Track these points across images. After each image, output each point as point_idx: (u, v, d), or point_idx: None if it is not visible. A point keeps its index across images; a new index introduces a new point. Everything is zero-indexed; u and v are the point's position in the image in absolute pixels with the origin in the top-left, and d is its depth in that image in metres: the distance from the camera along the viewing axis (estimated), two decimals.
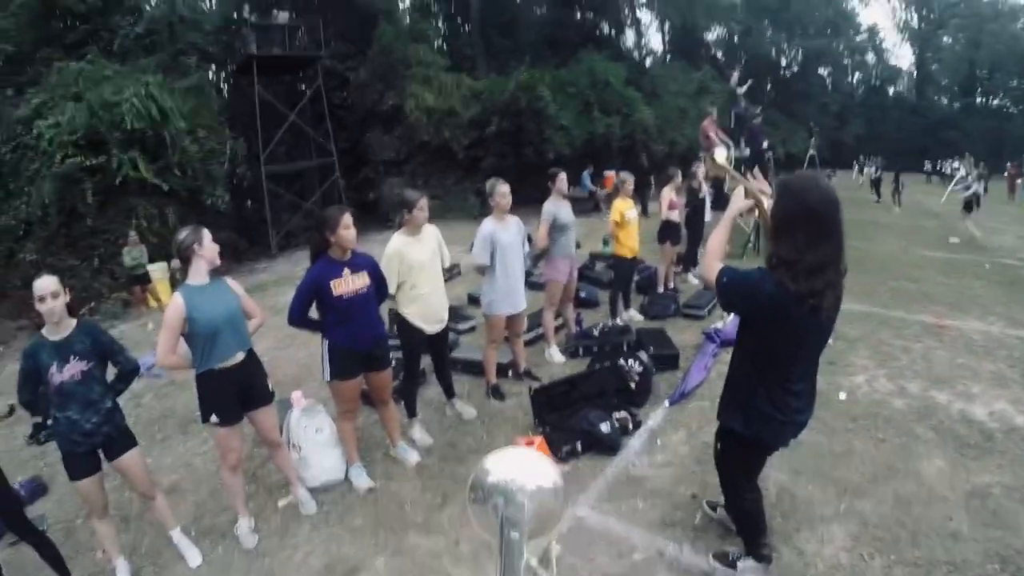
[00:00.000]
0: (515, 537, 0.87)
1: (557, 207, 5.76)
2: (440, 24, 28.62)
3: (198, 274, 3.38)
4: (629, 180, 6.72)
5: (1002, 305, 8.11)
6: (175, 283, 12.37)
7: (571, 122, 19.75)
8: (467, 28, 27.60)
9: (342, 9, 20.67)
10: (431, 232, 4.49)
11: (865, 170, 28.16)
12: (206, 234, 3.43)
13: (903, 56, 57.17)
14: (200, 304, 3.29)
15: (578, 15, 30.19)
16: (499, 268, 5.01)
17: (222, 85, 21.10)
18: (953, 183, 14.81)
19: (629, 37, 36.08)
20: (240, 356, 3.46)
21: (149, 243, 11.95)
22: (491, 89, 19.47)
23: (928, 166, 30.32)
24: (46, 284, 3.07)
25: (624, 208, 6.60)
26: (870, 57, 54.24)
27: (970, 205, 14.20)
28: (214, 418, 3.42)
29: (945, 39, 53.12)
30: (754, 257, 10.48)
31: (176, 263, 3.67)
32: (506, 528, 0.88)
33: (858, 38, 52.26)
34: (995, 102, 50.24)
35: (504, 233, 4.99)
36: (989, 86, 50.20)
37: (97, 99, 12.55)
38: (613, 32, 33.22)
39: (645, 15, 37.68)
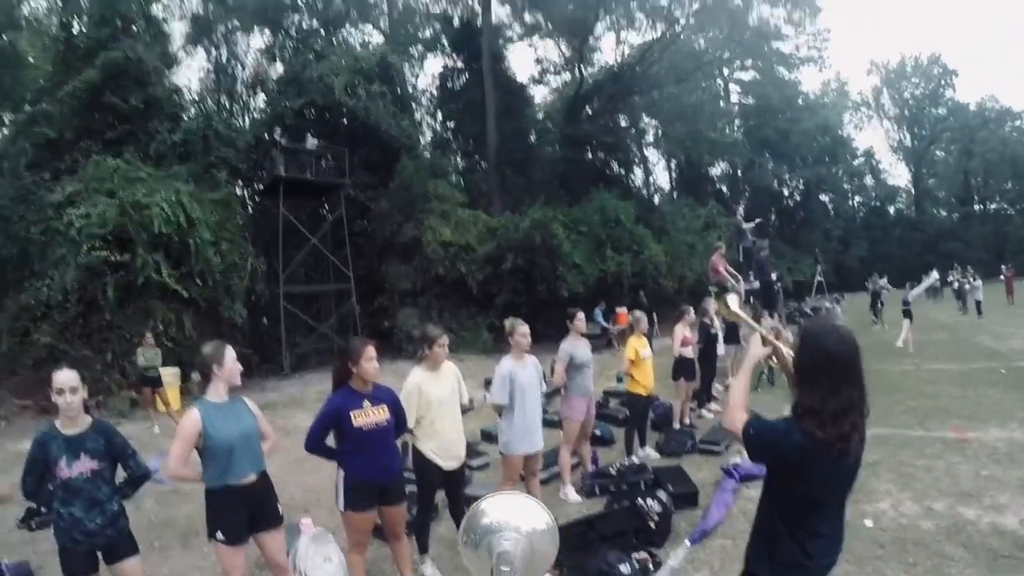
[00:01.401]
0: (507, 571, 0.88)
1: (574, 346, 5.88)
2: (458, 160, 29.99)
3: (217, 391, 3.41)
4: (643, 318, 6.92)
5: (1022, 409, 8.03)
6: (185, 391, 12.36)
7: (584, 260, 20.33)
8: (483, 165, 28.71)
9: (367, 140, 21.64)
10: (450, 369, 4.57)
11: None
12: (228, 353, 3.45)
13: (900, 175, 60.06)
14: (217, 422, 3.31)
15: (589, 155, 31.47)
16: (517, 408, 5.03)
17: (248, 202, 21.81)
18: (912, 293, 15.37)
19: (638, 175, 37.76)
20: (253, 476, 3.43)
21: (164, 346, 11.96)
22: (506, 226, 20.09)
23: (929, 281, 30.87)
24: (67, 378, 3.10)
25: (639, 346, 6.72)
26: (868, 180, 56.43)
27: (910, 314, 14.58)
28: (220, 535, 3.34)
29: (938, 153, 56.03)
30: (769, 389, 10.44)
31: (196, 376, 3.74)
32: (499, 565, 0.89)
33: (855, 162, 54.36)
34: (992, 207, 52.11)
35: (522, 372, 5.08)
36: (985, 192, 52.32)
37: (129, 198, 12.96)
38: (622, 171, 34.55)
39: (652, 154, 39.68)
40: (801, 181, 49.04)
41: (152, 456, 6.81)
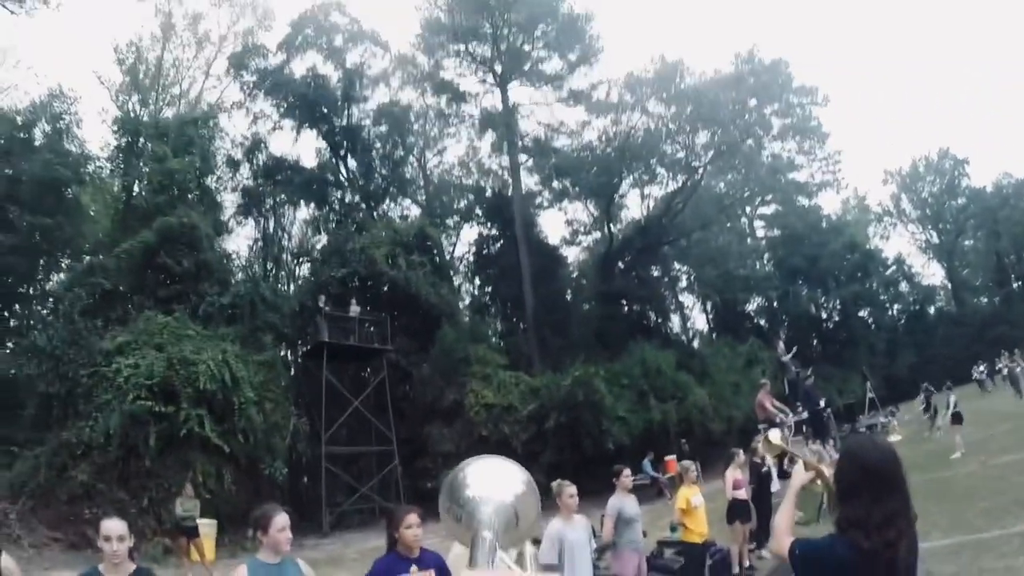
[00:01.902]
0: (488, 536, 0.88)
1: (622, 502, 5.90)
2: (497, 324, 30.62)
3: (267, 552, 3.39)
4: (691, 468, 6.93)
5: None
6: (220, 543, 12.44)
7: (628, 412, 20.33)
8: (522, 326, 29.12)
9: (408, 307, 22.27)
10: None
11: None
12: (276, 522, 3.38)
13: (933, 273, 58.33)
14: None
15: (625, 308, 31.79)
16: (567, 568, 4.92)
17: (291, 363, 22.25)
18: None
19: (675, 321, 37.80)
20: None
21: (202, 497, 11.97)
22: (548, 385, 20.30)
23: (976, 374, 29.24)
24: (115, 527, 3.16)
25: (689, 495, 6.77)
26: (903, 286, 54.79)
27: (959, 417, 13.76)
28: None
29: (967, 243, 55.16)
30: (828, 520, 9.90)
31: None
32: (480, 532, 0.89)
33: (888, 272, 53.18)
34: None
35: (572, 532, 5.03)
36: (1020, 269, 50.77)
37: (177, 354, 13.50)
38: (659, 319, 34.61)
39: (687, 298, 40.03)
40: (837, 302, 48.20)
41: None
